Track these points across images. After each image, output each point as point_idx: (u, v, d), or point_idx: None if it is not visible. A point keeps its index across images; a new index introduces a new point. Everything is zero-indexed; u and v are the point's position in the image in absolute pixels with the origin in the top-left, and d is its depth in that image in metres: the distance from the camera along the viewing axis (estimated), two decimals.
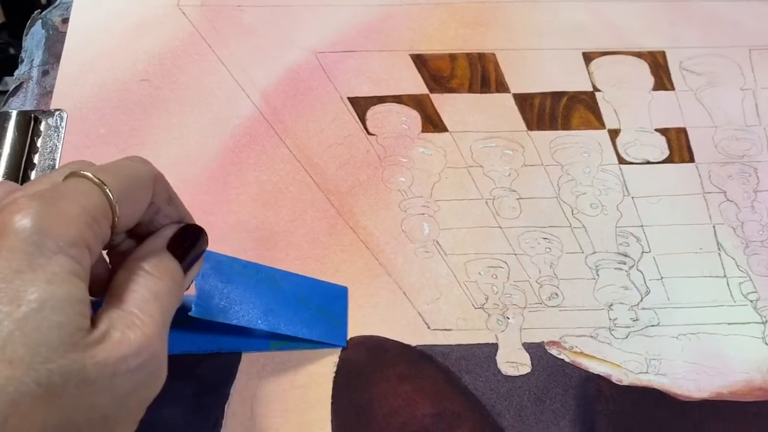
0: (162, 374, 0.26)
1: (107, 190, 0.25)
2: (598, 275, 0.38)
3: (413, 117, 0.42)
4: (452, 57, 0.45)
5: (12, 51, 0.59)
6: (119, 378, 0.23)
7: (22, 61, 0.44)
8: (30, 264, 0.22)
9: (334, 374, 0.34)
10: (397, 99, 0.43)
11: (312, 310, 0.35)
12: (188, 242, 0.29)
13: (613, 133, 0.42)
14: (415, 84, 0.43)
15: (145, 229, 0.28)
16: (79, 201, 0.24)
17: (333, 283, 0.36)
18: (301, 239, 0.38)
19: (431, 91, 0.43)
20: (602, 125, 0.43)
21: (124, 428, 0.25)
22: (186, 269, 0.28)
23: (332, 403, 0.33)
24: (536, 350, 0.35)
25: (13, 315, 0.22)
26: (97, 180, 0.25)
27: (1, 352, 0.21)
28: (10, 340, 0.21)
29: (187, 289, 0.30)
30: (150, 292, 0.26)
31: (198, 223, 0.38)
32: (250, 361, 0.34)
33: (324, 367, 0.34)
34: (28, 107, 0.42)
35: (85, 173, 0.25)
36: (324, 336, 0.34)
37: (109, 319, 0.24)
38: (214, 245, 0.38)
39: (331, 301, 0.36)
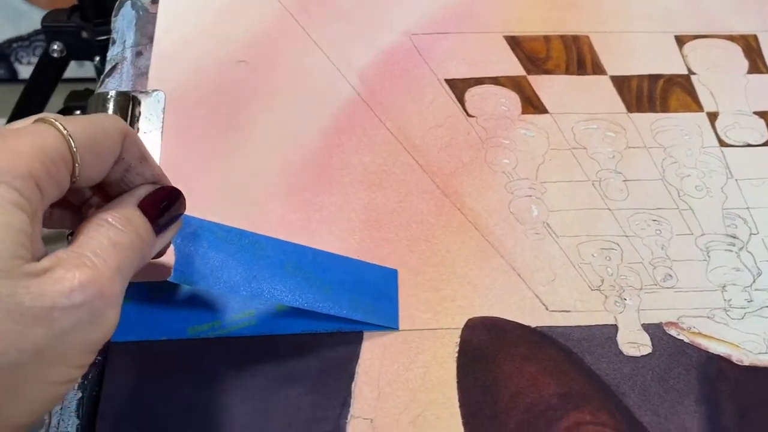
0: (110, 318, 0.24)
1: (67, 135, 0.25)
2: (709, 257, 0.37)
3: (512, 98, 0.42)
4: (546, 39, 0.44)
5: (85, 35, 0.58)
6: (58, 311, 0.22)
7: (114, 42, 0.44)
8: None
9: (456, 354, 0.34)
10: (495, 80, 0.43)
11: (355, 292, 0.34)
12: (164, 203, 0.29)
13: (712, 116, 0.42)
14: (511, 65, 0.43)
15: (116, 188, 0.28)
16: (34, 140, 0.24)
17: (382, 266, 0.36)
18: (409, 220, 0.38)
19: (528, 72, 0.43)
20: (700, 108, 0.42)
21: (63, 370, 0.23)
22: (158, 231, 0.28)
23: (458, 383, 0.33)
24: (655, 331, 0.35)
25: None
26: (58, 125, 0.25)
27: None
28: None
29: (162, 254, 0.30)
30: (108, 241, 0.25)
31: (306, 204, 0.38)
32: (372, 341, 0.34)
33: (445, 347, 0.34)
34: (124, 88, 0.42)
35: (49, 118, 0.25)
36: (375, 317, 0.34)
37: (57, 257, 0.24)
38: (322, 226, 0.38)
39: (381, 283, 0.35)
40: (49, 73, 0.64)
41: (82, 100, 0.68)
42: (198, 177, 0.38)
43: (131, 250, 0.26)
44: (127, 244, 0.26)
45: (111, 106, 0.40)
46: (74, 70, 0.85)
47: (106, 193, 0.29)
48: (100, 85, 0.42)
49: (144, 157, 0.29)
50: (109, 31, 0.52)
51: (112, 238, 0.25)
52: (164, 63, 0.42)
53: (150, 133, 0.40)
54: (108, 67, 0.43)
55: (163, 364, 0.33)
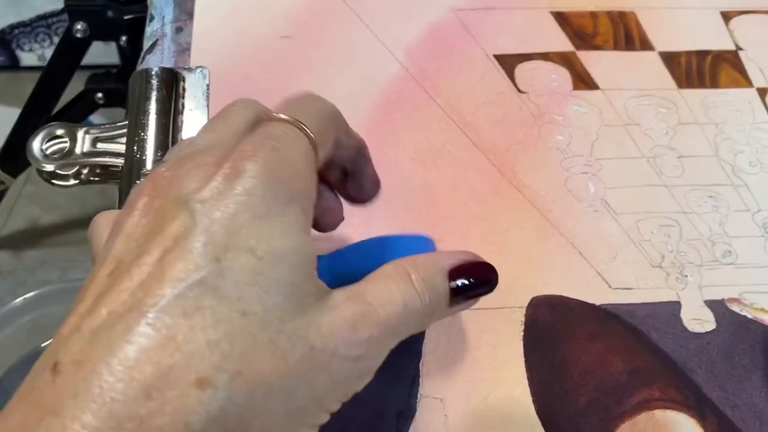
0: (371, 377, 0.23)
1: (309, 133, 0.23)
2: (767, 233, 0.37)
3: (563, 74, 0.41)
4: (593, 15, 0.44)
5: (110, 14, 0.57)
6: (338, 360, 0.21)
7: (153, 18, 0.43)
8: (268, 210, 0.21)
9: (522, 333, 0.33)
10: (544, 56, 0.42)
11: None
12: (475, 279, 0.25)
13: (762, 92, 0.42)
14: (559, 41, 0.43)
15: (325, 169, 0.27)
16: (297, 149, 0.23)
17: (417, 236, 0.35)
18: (466, 198, 0.37)
19: (577, 48, 0.42)
20: (750, 84, 0.42)
21: (323, 416, 0.22)
22: (454, 303, 0.25)
23: (526, 361, 0.33)
24: (718, 307, 0.35)
25: (251, 265, 0.20)
26: (299, 125, 0.23)
27: (237, 302, 0.19)
28: (247, 293, 0.20)
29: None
30: (402, 300, 0.23)
31: None
32: (436, 321, 0.33)
33: (510, 325, 0.34)
34: (165, 65, 0.41)
35: (283, 117, 0.24)
36: None
37: (346, 297, 0.22)
38: (377, 204, 0.37)
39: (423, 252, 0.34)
40: (70, 55, 0.63)
41: (103, 82, 0.66)
42: None
43: (416, 318, 0.23)
44: (414, 312, 0.23)
45: (155, 82, 0.39)
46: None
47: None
48: (141, 62, 0.41)
49: (348, 128, 0.27)
50: (136, 10, 0.51)
51: (407, 299, 0.23)
52: (206, 39, 0.41)
53: (195, 111, 0.39)
54: (148, 44, 0.42)
55: None
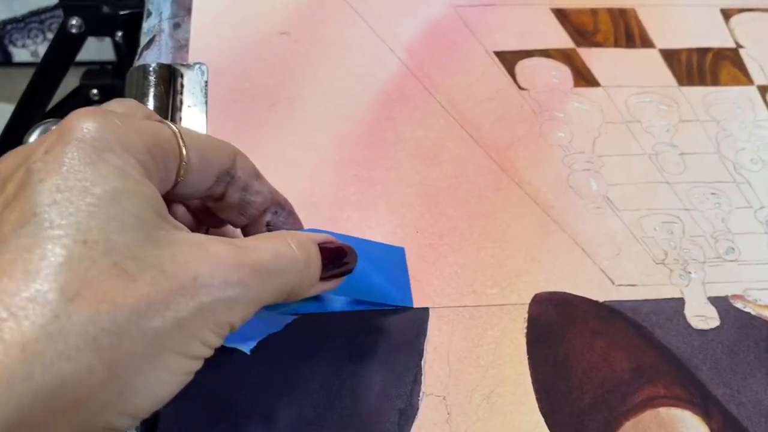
0: (243, 312, 0.23)
1: (177, 130, 0.25)
2: None
3: (563, 71, 0.41)
4: (594, 12, 0.44)
5: (106, 9, 0.56)
6: (201, 287, 0.21)
7: (150, 14, 0.42)
8: (100, 158, 0.21)
9: (525, 330, 0.33)
10: (544, 53, 0.42)
11: (375, 273, 0.33)
12: (339, 255, 0.28)
13: (763, 89, 0.42)
14: (559, 38, 0.42)
15: (237, 208, 0.28)
16: (149, 127, 0.24)
17: (389, 245, 0.35)
18: (467, 195, 0.37)
19: (577, 45, 0.42)
20: (750, 81, 0.42)
21: (197, 346, 0.22)
22: (325, 271, 0.27)
23: (529, 359, 0.32)
24: (722, 304, 0.35)
25: (86, 202, 0.21)
26: (169, 123, 0.25)
27: (75, 233, 0.20)
28: (86, 225, 0.20)
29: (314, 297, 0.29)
30: (273, 247, 0.25)
31: (360, 179, 0.37)
32: (438, 318, 0.33)
33: (513, 322, 0.33)
34: (164, 61, 0.40)
35: (159, 117, 0.25)
36: (392, 298, 0.33)
37: (215, 239, 0.23)
38: (378, 200, 0.36)
39: (392, 261, 0.34)
40: (65, 51, 0.62)
41: (98, 79, 0.66)
42: (247, 152, 0.37)
43: (291, 270, 0.25)
44: (289, 261, 0.25)
45: (153, 78, 0.38)
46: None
47: (224, 210, 0.28)
48: (138, 58, 0.40)
49: (259, 174, 0.28)
50: (132, 5, 0.51)
51: (280, 249, 0.25)
52: (204, 35, 0.41)
53: (194, 107, 0.38)
54: (145, 40, 0.41)
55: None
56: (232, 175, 0.27)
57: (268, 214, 0.30)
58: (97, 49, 0.79)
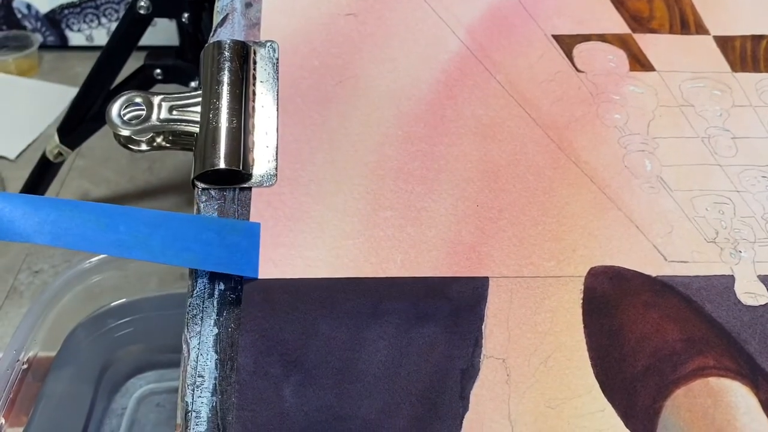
0: None
1: None
2: None
3: (620, 55, 0.42)
4: None
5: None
6: None
7: None
8: None
9: (581, 300, 0.35)
10: (601, 38, 0.43)
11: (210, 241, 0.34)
12: None
13: None
14: (616, 24, 0.44)
15: None
16: None
17: (243, 221, 0.36)
18: (526, 172, 0.38)
19: (633, 30, 0.43)
20: None
21: None
22: None
23: (585, 327, 0.34)
24: None
25: None
26: None
27: None
28: None
29: None
30: None
31: (423, 154, 0.39)
32: (497, 286, 0.35)
33: (569, 293, 0.35)
34: (237, 38, 0.42)
35: None
36: (230, 266, 0.34)
37: None
38: (440, 174, 0.38)
39: (237, 233, 0.35)
40: (132, 31, 0.64)
41: (161, 59, 0.68)
42: (316, 125, 0.39)
43: None
44: None
45: (228, 53, 0.40)
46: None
47: None
48: (213, 35, 0.43)
49: None
50: None
51: None
52: (275, 14, 0.43)
53: (266, 83, 0.40)
54: (219, 17, 0.43)
55: (299, 302, 0.34)
56: None
57: None
58: (159, 35, 0.82)
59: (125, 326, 0.48)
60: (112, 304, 0.49)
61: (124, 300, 0.49)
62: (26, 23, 1.25)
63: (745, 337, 0.34)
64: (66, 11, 1.15)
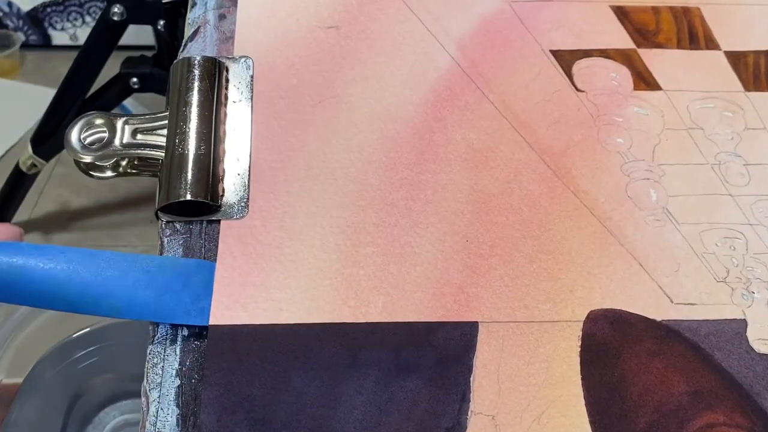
0: None
1: None
2: None
3: (623, 73, 0.39)
4: (655, 10, 0.41)
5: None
6: None
7: (195, 3, 0.41)
8: None
9: (579, 348, 0.32)
10: (603, 53, 0.40)
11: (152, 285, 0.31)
12: None
13: None
14: (619, 38, 0.40)
15: None
16: None
17: (195, 259, 0.33)
18: (520, 203, 0.35)
19: (638, 45, 0.40)
20: None
21: None
22: None
23: (582, 379, 0.31)
24: None
25: None
26: None
27: None
28: None
29: None
30: None
31: (409, 183, 0.36)
32: (488, 332, 0.32)
33: (566, 340, 0.32)
34: (208, 53, 0.39)
35: None
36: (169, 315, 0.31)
37: None
38: (427, 206, 0.35)
39: (185, 276, 0.32)
40: (106, 38, 0.61)
41: (138, 67, 0.65)
42: (293, 150, 0.36)
43: None
44: None
45: (197, 72, 0.37)
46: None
47: None
48: (183, 50, 0.39)
49: None
50: None
51: None
52: (250, 28, 0.40)
53: (239, 103, 0.37)
54: (190, 30, 0.40)
55: (269, 351, 0.31)
56: None
57: None
58: (137, 35, 0.78)
59: (91, 355, 0.46)
60: (75, 334, 0.46)
61: (87, 329, 0.46)
62: (7, 22, 1.21)
63: (759, 390, 0.31)
64: (49, 9, 1.11)
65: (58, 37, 1.15)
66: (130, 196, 0.94)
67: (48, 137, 0.82)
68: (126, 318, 0.31)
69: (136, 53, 0.69)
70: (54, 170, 1.04)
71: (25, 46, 1.27)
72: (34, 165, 0.85)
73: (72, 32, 1.12)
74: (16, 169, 0.89)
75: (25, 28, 1.14)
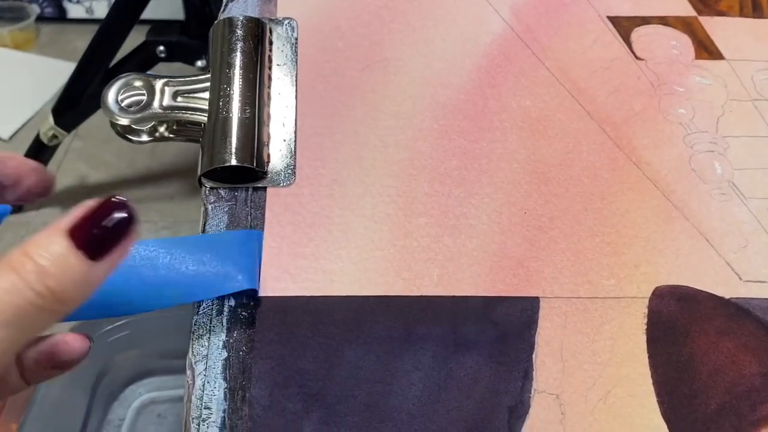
0: None
1: None
2: None
3: (684, 41, 0.37)
4: None
5: None
6: None
7: None
8: None
9: (645, 326, 0.30)
10: (663, 20, 0.38)
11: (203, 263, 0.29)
12: (100, 225, 0.21)
13: None
14: (680, 5, 0.39)
15: None
16: None
17: (246, 230, 0.31)
18: (580, 174, 0.34)
19: (699, 13, 0.38)
20: None
21: None
22: (97, 258, 0.21)
23: (649, 357, 0.29)
24: None
25: None
26: None
27: None
28: None
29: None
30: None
31: (462, 151, 0.34)
32: (550, 309, 0.30)
33: (631, 317, 0.30)
34: (250, 14, 0.37)
35: None
36: (222, 287, 0.29)
37: None
38: (482, 176, 0.34)
39: (236, 247, 0.30)
40: (132, 5, 0.59)
41: (165, 34, 0.63)
42: (340, 117, 0.34)
43: (31, 304, 0.20)
44: (20, 298, 0.20)
45: (240, 32, 0.35)
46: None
47: None
48: (224, 10, 0.38)
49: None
50: None
51: (9, 287, 0.20)
52: None
53: (284, 66, 0.36)
54: None
55: (321, 324, 0.29)
56: None
57: None
58: (162, 8, 0.76)
59: (120, 329, 0.44)
60: None
61: None
62: None
63: None
64: None
65: (74, 10, 1.12)
66: (150, 172, 0.92)
67: (70, 108, 0.80)
68: (187, 302, 0.29)
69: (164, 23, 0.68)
70: (72, 144, 1.02)
71: (41, 18, 1.25)
72: (55, 136, 0.83)
73: (88, 5, 1.10)
74: (36, 141, 0.87)
75: (41, 0, 1.12)
